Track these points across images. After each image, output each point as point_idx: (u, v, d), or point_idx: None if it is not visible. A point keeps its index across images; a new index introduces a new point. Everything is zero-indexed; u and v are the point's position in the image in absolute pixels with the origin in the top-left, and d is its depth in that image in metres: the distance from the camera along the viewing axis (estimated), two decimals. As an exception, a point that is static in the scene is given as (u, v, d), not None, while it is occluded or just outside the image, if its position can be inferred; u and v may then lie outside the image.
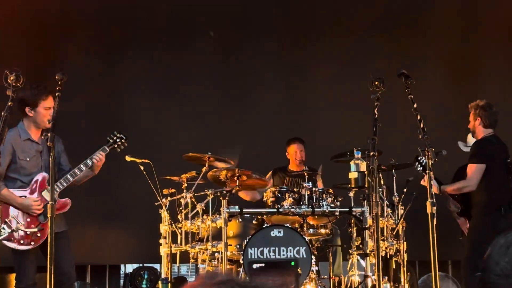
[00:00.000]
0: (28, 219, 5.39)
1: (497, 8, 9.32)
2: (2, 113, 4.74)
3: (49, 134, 4.92)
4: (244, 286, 1.24)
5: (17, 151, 5.45)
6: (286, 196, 6.87)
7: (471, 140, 7.40)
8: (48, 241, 4.78)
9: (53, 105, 5.28)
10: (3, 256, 5.39)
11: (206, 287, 1.28)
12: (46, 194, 5.36)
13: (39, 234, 5.37)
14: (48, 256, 4.60)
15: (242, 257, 6.50)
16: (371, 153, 4.27)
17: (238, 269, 6.67)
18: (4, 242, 5.25)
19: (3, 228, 5.20)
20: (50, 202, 4.72)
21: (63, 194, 5.62)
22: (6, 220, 5.27)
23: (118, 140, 5.71)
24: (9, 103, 4.70)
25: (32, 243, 5.37)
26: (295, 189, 6.97)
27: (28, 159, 5.49)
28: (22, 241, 5.34)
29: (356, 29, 8.92)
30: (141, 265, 8.77)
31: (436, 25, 9.30)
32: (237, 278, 1.27)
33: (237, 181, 6.94)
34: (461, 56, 9.30)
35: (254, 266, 6.05)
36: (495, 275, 1.65)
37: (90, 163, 5.51)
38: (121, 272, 9.20)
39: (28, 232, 5.32)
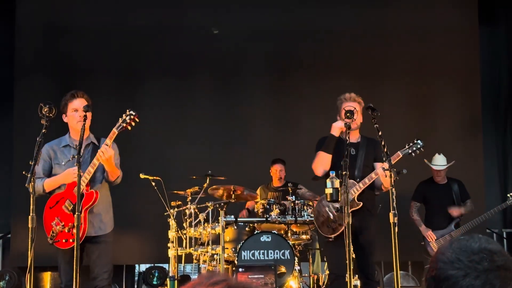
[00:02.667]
0: (64, 221, 4.80)
1: (445, 49, 9.41)
2: (38, 139, 4.53)
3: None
4: (235, 286, 1.26)
5: (53, 158, 4.94)
6: (274, 207, 6.89)
7: (438, 158, 7.47)
8: (75, 247, 4.36)
9: (81, 107, 4.82)
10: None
11: (203, 286, 1.29)
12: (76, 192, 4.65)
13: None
14: (75, 260, 4.27)
15: (236, 258, 6.53)
16: (343, 172, 4.29)
17: (233, 269, 6.67)
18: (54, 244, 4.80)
19: (52, 232, 4.78)
20: (76, 213, 4.37)
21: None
22: (52, 223, 4.82)
23: (127, 118, 4.82)
24: (43, 130, 4.61)
25: (71, 240, 4.70)
26: (281, 201, 7.00)
27: (63, 163, 4.90)
28: (64, 240, 4.79)
29: (331, 67, 8.98)
30: (152, 265, 8.75)
31: (396, 66, 9.36)
32: (231, 279, 1.28)
33: (233, 195, 6.97)
34: (417, 88, 9.37)
35: (240, 269, 6.03)
36: (442, 262, 1.69)
37: (98, 156, 4.73)
38: (136, 271, 9.17)
39: (67, 231, 4.79)
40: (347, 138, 4.61)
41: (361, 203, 4.93)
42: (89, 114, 4.86)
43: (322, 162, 5.06)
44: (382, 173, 4.74)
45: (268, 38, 9.35)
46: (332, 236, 4.99)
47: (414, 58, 9.38)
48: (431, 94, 9.39)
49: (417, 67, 9.39)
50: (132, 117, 4.81)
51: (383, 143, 4.53)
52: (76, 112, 4.86)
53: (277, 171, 7.99)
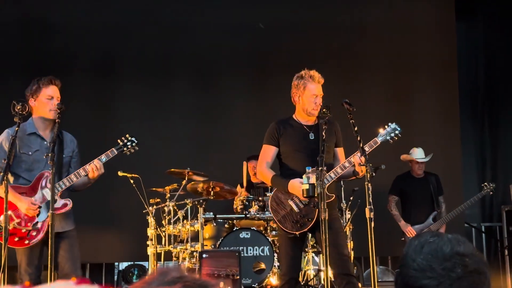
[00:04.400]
0: (20, 219, 4.54)
1: (423, 43, 9.46)
2: (10, 137, 4.44)
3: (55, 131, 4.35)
4: (193, 284, 1.20)
5: (19, 145, 4.58)
6: (253, 204, 6.88)
7: (417, 151, 7.50)
8: (49, 244, 4.22)
9: (58, 96, 4.64)
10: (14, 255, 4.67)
11: (157, 286, 1.22)
12: (47, 193, 4.54)
13: (34, 233, 4.55)
14: (49, 257, 4.17)
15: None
16: (320, 168, 4.27)
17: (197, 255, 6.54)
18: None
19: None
20: (50, 212, 4.21)
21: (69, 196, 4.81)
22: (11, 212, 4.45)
23: (128, 144, 4.78)
24: (16, 128, 4.51)
25: (26, 241, 4.53)
26: (260, 198, 6.97)
27: (30, 153, 4.61)
28: (16, 239, 4.51)
29: (311, 63, 8.94)
30: (132, 263, 8.69)
31: (374, 61, 9.39)
32: (187, 277, 1.22)
33: (212, 191, 6.93)
34: (395, 84, 9.40)
35: (204, 255, 5.93)
36: (412, 269, 1.65)
37: (88, 168, 4.59)
38: (115, 269, 9.12)
39: (23, 230, 4.52)
40: (323, 134, 4.57)
41: (334, 196, 4.77)
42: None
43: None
44: (358, 161, 4.56)
45: (247, 35, 9.31)
46: (298, 233, 4.71)
47: (392, 52, 9.41)
48: (408, 88, 9.42)
49: (395, 62, 9.42)
50: (134, 144, 4.81)
51: (358, 138, 4.51)
52: (50, 100, 4.62)
53: (253, 167, 7.92)
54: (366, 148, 4.65)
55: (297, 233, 4.73)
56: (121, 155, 4.81)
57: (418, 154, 7.56)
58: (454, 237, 1.70)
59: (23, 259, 4.59)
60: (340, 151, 4.97)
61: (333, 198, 4.78)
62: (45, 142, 4.64)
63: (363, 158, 4.40)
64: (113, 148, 4.72)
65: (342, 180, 5.33)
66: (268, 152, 4.95)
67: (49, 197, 4.49)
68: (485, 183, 7.79)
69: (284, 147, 4.91)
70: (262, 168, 4.94)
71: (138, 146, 4.85)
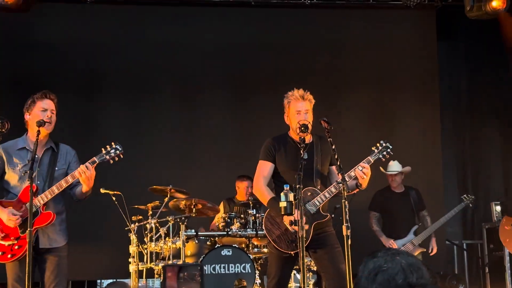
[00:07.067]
0: (6, 232, 4.45)
1: (406, 61, 9.57)
2: None
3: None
4: None
5: (7, 160, 4.56)
6: (234, 221, 6.90)
7: (393, 164, 7.56)
8: (27, 261, 4.10)
9: (52, 108, 4.60)
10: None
11: None
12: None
13: (17, 247, 4.44)
14: (27, 275, 4.05)
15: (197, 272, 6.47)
16: (297, 186, 4.30)
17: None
18: None
19: None
20: (28, 229, 4.10)
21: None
22: None
23: (112, 151, 4.60)
24: None
25: (9, 256, 4.43)
26: (241, 215, 6.99)
27: (18, 167, 4.54)
28: (0, 253, 4.45)
29: (292, 81, 8.99)
30: (114, 280, 8.66)
31: (357, 78, 9.48)
32: None
33: (194, 209, 6.95)
34: (377, 101, 9.49)
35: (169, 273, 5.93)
36: None
37: (76, 174, 4.46)
38: (97, 287, 9.09)
39: (6, 245, 4.44)
40: (302, 152, 4.61)
41: (328, 215, 4.79)
42: (54, 119, 4.63)
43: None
44: (360, 175, 4.61)
45: (230, 53, 9.38)
46: (293, 252, 4.65)
47: (373, 70, 9.51)
48: (390, 104, 9.53)
49: (376, 79, 9.53)
50: (118, 152, 4.63)
51: (336, 156, 4.55)
52: (44, 112, 4.57)
53: (247, 188, 7.93)
54: (360, 168, 4.69)
55: (292, 252, 4.69)
56: (106, 164, 4.67)
57: (393, 167, 7.59)
58: (409, 264, 1.67)
59: (10, 275, 4.49)
60: (335, 169, 4.85)
61: (328, 217, 4.79)
62: (36, 157, 4.49)
63: (340, 176, 4.43)
64: (94, 158, 4.56)
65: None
66: (265, 167, 4.92)
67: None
68: (465, 195, 7.84)
69: (279, 165, 4.91)
70: (260, 185, 4.89)
71: (123, 154, 4.67)
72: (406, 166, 7.64)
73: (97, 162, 4.55)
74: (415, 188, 7.78)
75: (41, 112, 4.57)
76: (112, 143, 4.67)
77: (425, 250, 7.48)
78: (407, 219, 7.54)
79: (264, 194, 4.85)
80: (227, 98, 9.41)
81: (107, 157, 4.59)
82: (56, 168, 4.64)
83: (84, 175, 4.43)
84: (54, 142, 4.75)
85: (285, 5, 9.40)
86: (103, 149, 4.63)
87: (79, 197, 4.70)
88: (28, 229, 4.16)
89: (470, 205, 7.84)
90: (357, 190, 4.80)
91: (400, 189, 7.69)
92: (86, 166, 4.44)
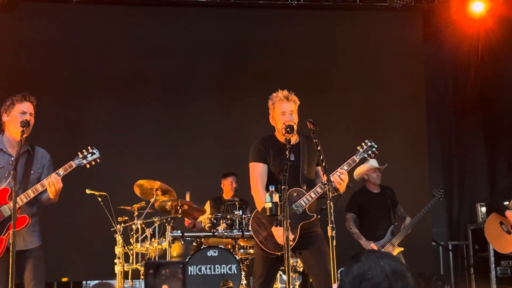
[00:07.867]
0: None
1: (392, 63, 9.61)
2: None
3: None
4: None
5: None
6: (221, 222, 6.88)
7: (372, 162, 7.56)
8: (10, 263, 4.09)
9: (31, 111, 4.61)
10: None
11: None
12: (5, 210, 4.46)
13: None
14: (10, 276, 4.04)
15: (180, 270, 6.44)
16: (283, 187, 4.28)
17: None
18: None
19: None
20: (12, 230, 4.08)
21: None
22: None
23: (89, 156, 4.60)
24: None
25: None
26: (228, 216, 6.97)
27: None
28: None
29: (280, 82, 9.00)
30: (100, 281, 8.62)
31: (343, 80, 9.51)
32: None
33: (180, 210, 6.92)
34: (364, 102, 9.51)
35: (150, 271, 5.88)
36: None
37: (45, 183, 4.45)
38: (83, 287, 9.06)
39: None
40: (287, 153, 4.60)
41: (315, 215, 4.77)
42: (32, 122, 4.62)
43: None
44: (338, 180, 4.57)
45: (217, 54, 9.38)
46: (280, 253, 4.64)
47: (361, 71, 9.55)
48: (377, 106, 9.57)
49: (363, 80, 9.56)
50: (95, 157, 4.63)
51: (322, 157, 4.54)
52: (23, 114, 4.57)
53: (232, 183, 7.97)
54: (345, 167, 4.68)
55: (279, 253, 4.68)
56: (84, 168, 4.65)
57: (373, 162, 7.56)
58: (393, 272, 1.66)
59: None
60: (320, 170, 4.81)
61: (314, 218, 4.78)
62: (12, 159, 4.49)
63: (325, 177, 4.43)
64: (71, 162, 4.56)
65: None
66: (259, 169, 4.87)
67: (5, 214, 4.43)
68: (435, 189, 7.81)
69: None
70: (259, 191, 4.81)
71: (100, 159, 4.67)
72: (385, 164, 7.61)
73: (74, 166, 4.56)
74: (389, 187, 7.76)
75: (19, 114, 4.58)
76: (89, 147, 4.67)
77: (403, 249, 7.45)
78: (384, 219, 7.52)
79: (262, 200, 4.70)
80: (215, 99, 9.40)
81: (84, 161, 4.61)
82: (32, 172, 4.64)
83: (52, 187, 4.44)
84: (30, 145, 4.73)
85: (272, 6, 9.42)
86: (79, 153, 4.63)
87: (44, 204, 4.70)
88: (12, 230, 4.15)
89: (440, 199, 7.80)
90: (335, 194, 4.76)
91: (377, 189, 7.66)
92: (57, 178, 4.43)
